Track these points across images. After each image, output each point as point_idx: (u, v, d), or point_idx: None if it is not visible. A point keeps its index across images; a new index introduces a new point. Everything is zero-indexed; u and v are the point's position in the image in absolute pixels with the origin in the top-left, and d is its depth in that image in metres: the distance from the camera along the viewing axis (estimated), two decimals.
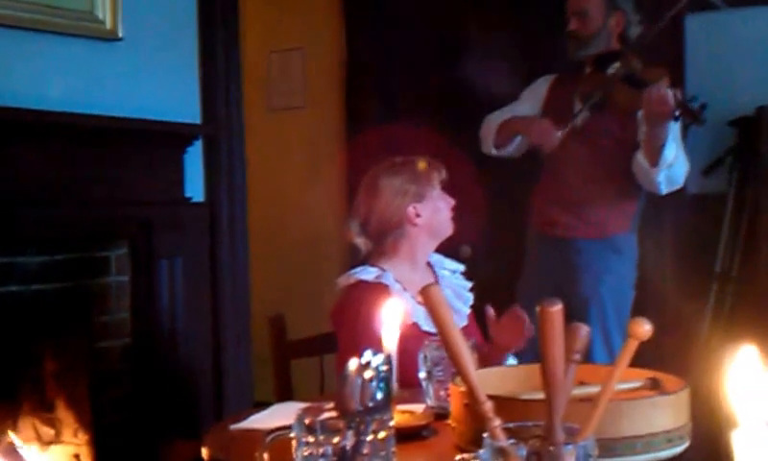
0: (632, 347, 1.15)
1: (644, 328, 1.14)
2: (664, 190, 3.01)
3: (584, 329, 1.13)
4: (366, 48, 4.34)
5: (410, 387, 1.90)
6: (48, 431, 2.95)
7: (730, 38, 3.51)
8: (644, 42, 3.12)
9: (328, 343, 2.42)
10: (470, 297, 2.49)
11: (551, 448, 1.06)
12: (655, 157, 2.92)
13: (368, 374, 1.15)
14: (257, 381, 3.55)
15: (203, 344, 3.30)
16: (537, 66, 3.49)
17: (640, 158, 2.97)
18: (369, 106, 4.32)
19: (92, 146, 2.93)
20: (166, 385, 3.12)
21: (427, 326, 2.15)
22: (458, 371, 1.08)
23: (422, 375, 1.88)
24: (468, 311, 2.47)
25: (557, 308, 1.03)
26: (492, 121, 3.26)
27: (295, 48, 4.55)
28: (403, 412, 1.75)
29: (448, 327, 1.07)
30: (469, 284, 2.51)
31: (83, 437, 2.94)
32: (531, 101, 3.28)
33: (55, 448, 2.95)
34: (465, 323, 2.43)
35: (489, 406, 1.09)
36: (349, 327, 2.23)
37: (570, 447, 1.03)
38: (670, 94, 2.76)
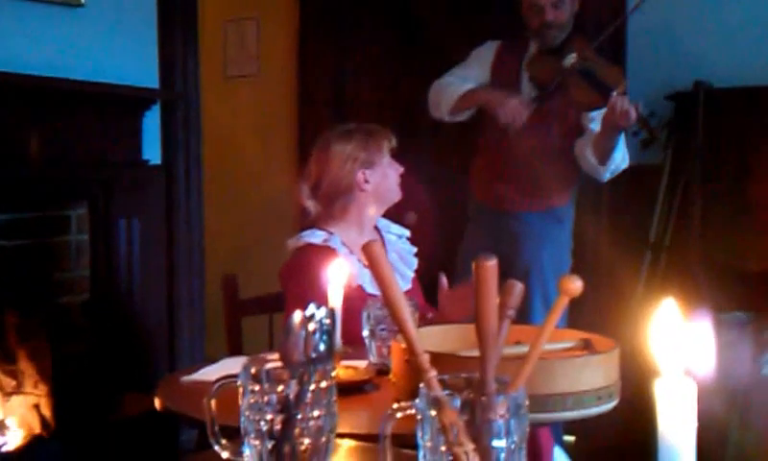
0: (563, 302, 1.18)
1: (575, 285, 1.16)
2: (607, 179, 3.12)
3: (518, 286, 1.15)
4: (318, 17, 4.38)
5: (352, 345, 1.96)
6: (10, 382, 3.00)
7: (669, 15, 3.59)
8: (589, 22, 3.17)
9: (278, 302, 2.48)
10: (415, 261, 2.56)
11: (483, 398, 1.10)
12: (605, 157, 3.03)
13: (311, 326, 1.19)
14: (210, 338, 3.61)
15: (158, 301, 3.37)
16: (483, 29, 3.49)
17: (589, 156, 3.07)
18: (321, 74, 4.36)
19: (54, 108, 2.97)
20: (122, 340, 3.19)
21: (372, 288, 2.21)
22: (396, 324, 1.13)
23: (365, 333, 1.95)
24: (413, 275, 2.54)
25: (491, 263, 1.08)
26: (446, 87, 3.24)
27: (250, 17, 4.58)
28: (347, 368, 1.82)
29: (388, 282, 1.12)
30: (414, 249, 2.58)
31: (42, 388, 3.00)
32: (478, 67, 3.28)
33: (16, 399, 3.00)
34: (409, 286, 2.50)
35: (425, 358, 1.14)
36: (297, 287, 2.29)
37: (502, 397, 1.07)
38: (633, 110, 2.83)
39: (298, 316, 1.21)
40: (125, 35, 3.28)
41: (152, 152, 3.38)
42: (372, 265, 1.13)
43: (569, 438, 3.11)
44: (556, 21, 3.12)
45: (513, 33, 3.29)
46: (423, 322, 2.13)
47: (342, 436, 1.43)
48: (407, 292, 2.46)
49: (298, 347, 1.19)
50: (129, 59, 3.29)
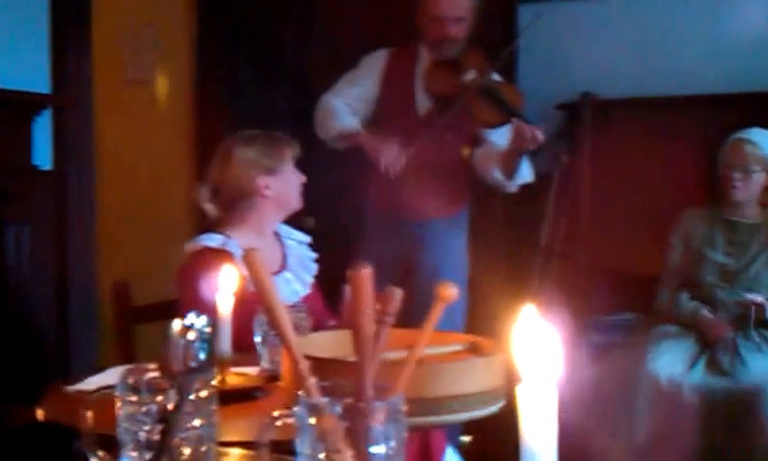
0: (439, 308, 1.21)
1: (450, 292, 1.20)
2: (512, 190, 3.19)
3: (397, 293, 1.16)
4: (215, 22, 4.37)
5: (247, 351, 1.95)
6: None
7: (559, 28, 3.69)
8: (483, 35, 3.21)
9: (174, 308, 2.45)
10: (315, 267, 2.57)
11: (361, 405, 1.11)
12: (512, 173, 3.10)
13: (191, 335, 1.19)
14: (105, 347, 3.54)
15: (49, 310, 3.30)
16: (373, 37, 3.49)
17: (495, 172, 3.13)
18: (218, 79, 4.36)
19: None
20: (11, 350, 3.10)
21: None
22: (276, 331, 1.14)
23: (257, 339, 1.95)
24: (312, 281, 2.54)
25: (365, 272, 1.10)
26: (330, 114, 3.22)
27: (148, 22, 4.53)
28: (237, 374, 1.82)
29: (267, 289, 1.12)
30: (314, 255, 2.59)
31: None
32: (369, 77, 3.28)
33: None
34: (308, 291, 2.51)
35: (304, 365, 1.15)
36: (191, 292, 2.27)
37: (380, 403, 1.08)
38: (541, 135, 2.90)
39: (177, 325, 1.21)
40: (15, 38, 3.21)
41: (43, 157, 3.32)
42: (251, 272, 1.14)
43: (465, 438, 3.16)
44: (458, 36, 3.13)
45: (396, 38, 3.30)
46: (325, 329, 2.14)
47: (229, 445, 1.43)
48: (306, 298, 2.47)
49: (177, 356, 1.19)
50: (19, 63, 3.23)
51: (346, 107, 3.26)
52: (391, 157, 3.06)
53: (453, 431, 2.94)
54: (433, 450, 2.17)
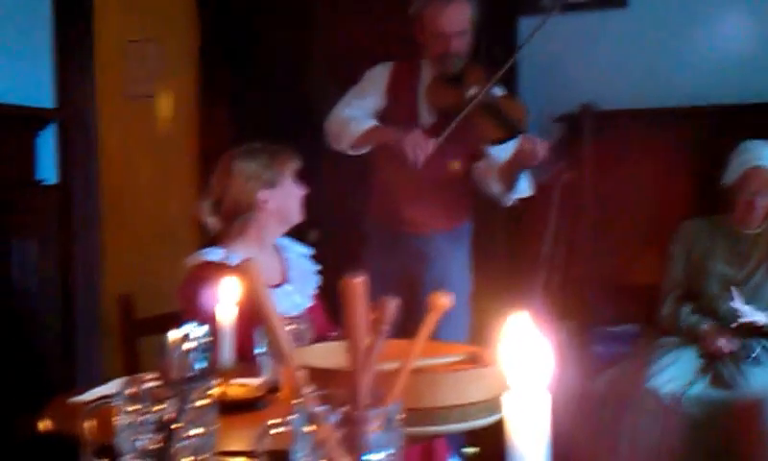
0: (433, 318, 1.22)
1: (443, 301, 1.21)
2: (511, 203, 3.20)
3: (392, 303, 1.17)
4: (218, 37, 4.40)
5: (250, 362, 1.97)
6: None
7: (559, 41, 3.70)
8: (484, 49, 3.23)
9: (178, 321, 2.46)
10: (317, 279, 2.58)
11: (357, 413, 1.12)
12: (511, 185, 3.10)
13: (189, 344, 1.20)
14: (109, 359, 3.56)
15: (54, 323, 3.32)
16: (374, 50, 3.49)
17: (495, 185, 3.14)
18: (221, 94, 4.38)
19: None
20: (16, 363, 3.11)
21: None
22: (271, 342, 1.15)
23: (260, 350, 1.96)
24: (314, 293, 2.55)
25: (359, 280, 1.11)
26: (347, 121, 3.20)
27: (150, 38, 4.56)
28: (240, 385, 1.83)
29: (263, 300, 1.14)
30: (317, 267, 2.60)
31: None
32: (374, 91, 3.27)
33: None
34: (311, 304, 2.52)
35: (301, 374, 1.16)
36: (193, 305, 2.28)
37: (376, 411, 1.09)
38: (544, 150, 2.92)
39: (176, 334, 1.22)
40: (19, 53, 3.23)
41: (47, 172, 3.34)
42: (248, 284, 1.15)
43: (472, 449, 3.16)
44: (458, 51, 3.13)
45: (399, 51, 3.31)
46: (327, 341, 2.14)
47: (231, 454, 1.44)
48: (309, 310, 2.48)
49: (176, 366, 1.20)
50: (23, 78, 3.25)
51: (360, 111, 3.24)
52: (417, 142, 3.00)
53: (456, 442, 2.94)
54: (436, 459, 2.18)
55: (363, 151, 3.24)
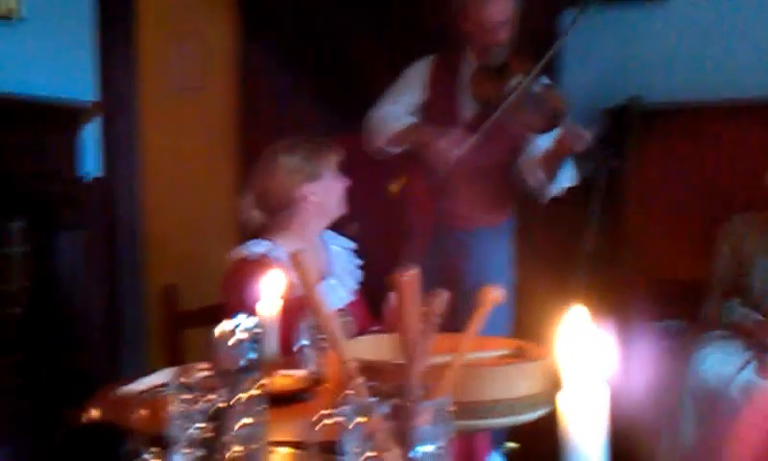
0: (483, 311, 1.22)
1: (494, 295, 1.21)
2: (553, 194, 3.18)
3: (442, 295, 1.18)
4: (261, 30, 4.41)
5: (292, 356, 1.97)
6: None
7: (605, 32, 3.67)
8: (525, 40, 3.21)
9: (221, 313, 2.47)
10: (359, 274, 2.58)
11: (408, 404, 1.12)
12: (553, 175, 3.10)
13: (241, 335, 1.21)
14: (153, 350, 3.60)
15: (99, 314, 3.36)
16: (416, 46, 3.46)
17: (539, 174, 3.13)
18: (264, 87, 4.40)
19: None
20: (63, 353, 3.16)
21: None
22: (322, 330, 1.15)
23: (304, 342, 1.97)
24: (357, 287, 2.56)
25: (412, 275, 1.11)
26: (383, 122, 3.22)
27: (193, 32, 4.59)
28: (285, 377, 1.84)
29: (314, 291, 1.14)
30: (359, 262, 2.60)
31: None
32: (414, 88, 3.28)
33: None
34: (353, 298, 2.52)
35: (352, 365, 1.17)
36: (238, 298, 2.28)
37: (427, 404, 1.09)
38: (588, 137, 2.91)
39: (228, 325, 1.23)
40: (64, 48, 3.28)
41: (91, 166, 3.38)
42: (299, 274, 1.16)
43: (512, 445, 3.15)
44: (502, 41, 3.12)
45: (439, 46, 3.30)
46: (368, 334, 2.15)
47: (278, 444, 1.45)
48: (351, 304, 2.48)
49: (227, 355, 1.21)
50: (68, 73, 3.30)
51: (398, 108, 3.25)
52: (441, 154, 3.04)
53: (498, 436, 2.94)
54: (477, 454, 2.17)
55: (398, 150, 3.25)
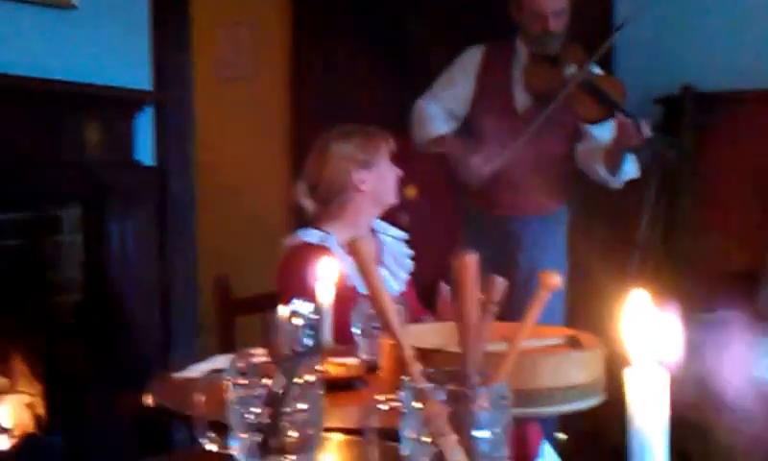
0: (543, 297, 1.20)
1: (554, 279, 1.20)
2: (617, 186, 3.16)
3: (500, 281, 1.17)
4: (312, 19, 4.42)
5: (347, 345, 1.98)
6: (3, 381, 3.02)
7: (656, 20, 3.62)
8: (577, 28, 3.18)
9: (271, 301, 2.49)
10: (410, 264, 2.58)
11: (466, 390, 1.11)
12: (616, 168, 3.07)
13: (298, 321, 1.21)
14: (204, 337, 3.63)
15: (151, 301, 3.39)
16: (467, 32, 3.48)
17: (600, 168, 3.10)
18: (314, 76, 4.41)
19: (47, 109, 2.99)
20: (116, 340, 3.21)
21: (364, 289, 2.22)
22: (380, 317, 1.15)
23: (357, 330, 1.98)
24: (408, 278, 2.55)
25: (472, 257, 1.10)
26: (424, 121, 3.24)
27: (243, 19, 4.62)
28: (337, 364, 1.85)
29: (373, 278, 1.14)
30: (410, 252, 2.60)
31: (36, 387, 3.02)
32: (464, 77, 3.26)
33: (9, 398, 3.02)
34: (403, 288, 2.52)
35: (410, 352, 1.16)
36: (292, 286, 2.30)
37: (484, 389, 1.09)
38: (646, 130, 2.88)
39: (285, 311, 1.24)
40: (118, 36, 3.31)
41: (145, 153, 3.41)
42: (358, 261, 1.15)
43: (561, 435, 3.13)
44: (556, 30, 3.11)
45: (495, 34, 3.28)
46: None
47: (331, 430, 1.45)
48: (402, 294, 2.48)
49: (284, 341, 1.22)
50: (121, 60, 3.32)
51: (440, 111, 3.25)
52: (471, 171, 3.09)
53: (549, 426, 2.92)
54: (529, 443, 2.16)
55: (434, 152, 3.26)
